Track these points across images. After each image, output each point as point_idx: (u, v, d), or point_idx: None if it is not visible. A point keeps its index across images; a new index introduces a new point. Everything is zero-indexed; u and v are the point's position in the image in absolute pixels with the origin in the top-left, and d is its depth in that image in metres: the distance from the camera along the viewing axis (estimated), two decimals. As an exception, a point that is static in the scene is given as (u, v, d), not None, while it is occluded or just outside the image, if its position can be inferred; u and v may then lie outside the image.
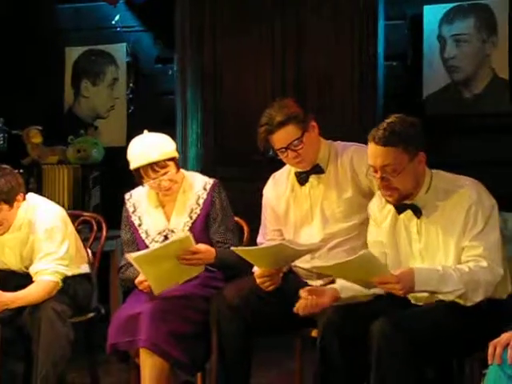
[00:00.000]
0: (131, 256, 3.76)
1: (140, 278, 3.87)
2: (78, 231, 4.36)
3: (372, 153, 3.35)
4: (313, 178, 3.83)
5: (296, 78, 6.04)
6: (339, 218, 3.79)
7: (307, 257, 3.79)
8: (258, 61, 6.11)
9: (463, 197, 3.35)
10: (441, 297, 3.29)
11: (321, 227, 3.82)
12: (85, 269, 4.20)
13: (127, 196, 4.16)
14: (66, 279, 4.06)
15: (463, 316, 3.27)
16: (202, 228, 4.01)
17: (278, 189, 3.95)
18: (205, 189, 4.05)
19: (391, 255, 3.48)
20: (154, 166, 3.91)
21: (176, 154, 4.01)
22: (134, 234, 4.09)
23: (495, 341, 2.75)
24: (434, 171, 3.46)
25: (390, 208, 3.48)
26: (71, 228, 4.17)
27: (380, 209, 3.53)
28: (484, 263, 3.27)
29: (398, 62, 5.96)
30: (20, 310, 3.98)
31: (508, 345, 2.72)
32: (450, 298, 3.26)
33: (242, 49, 6.14)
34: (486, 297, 3.28)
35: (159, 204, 4.08)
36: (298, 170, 3.85)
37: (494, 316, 3.32)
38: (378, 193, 3.54)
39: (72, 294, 4.09)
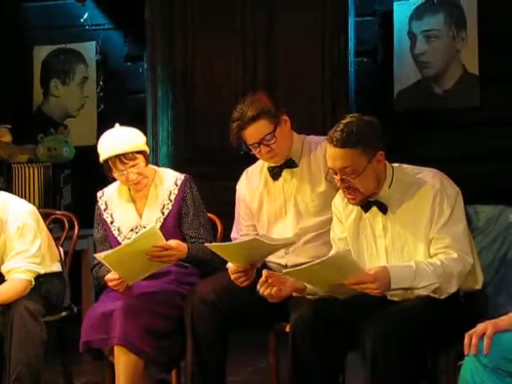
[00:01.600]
0: (100, 256, 3.73)
1: (109, 275, 3.80)
2: (50, 230, 4.31)
3: (330, 155, 3.30)
4: (286, 173, 3.81)
5: (267, 74, 6.04)
6: (313, 212, 3.78)
7: (281, 252, 3.78)
8: (229, 58, 6.11)
9: (427, 188, 3.32)
10: (415, 292, 3.25)
11: (295, 222, 3.80)
12: (57, 267, 4.15)
13: (99, 194, 4.14)
14: (39, 278, 4.01)
15: (441, 310, 3.24)
16: (174, 223, 3.99)
17: (251, 184, 3.93)
18: (176, 184, 4.03)
19: (353, 252, 3.44)
20: (122, 158, 3.89)
21: (145, 148, 3.98)
22: (106, 232, 4.06)
23: (471, 331, 2.75)
24: (395, 165, 3.42)
25: None
26: (43, 226, 4.13)
27: (344, 205, 3.49)
28: (454, 254, 3.26)
29: (369, 58, 5.98)
30: (-9, 310, 3.93)
31: (484, 335, 2.72)
32: (424, 293, 3.24)
33: (212, 46, 6.13)
34: (459, 286, 3.28)
35: (131, 200, 4.05)
36: (271, 164, 3.84)
37: (471, 308, 3.33)
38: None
39: (44, 292, 4.04)
